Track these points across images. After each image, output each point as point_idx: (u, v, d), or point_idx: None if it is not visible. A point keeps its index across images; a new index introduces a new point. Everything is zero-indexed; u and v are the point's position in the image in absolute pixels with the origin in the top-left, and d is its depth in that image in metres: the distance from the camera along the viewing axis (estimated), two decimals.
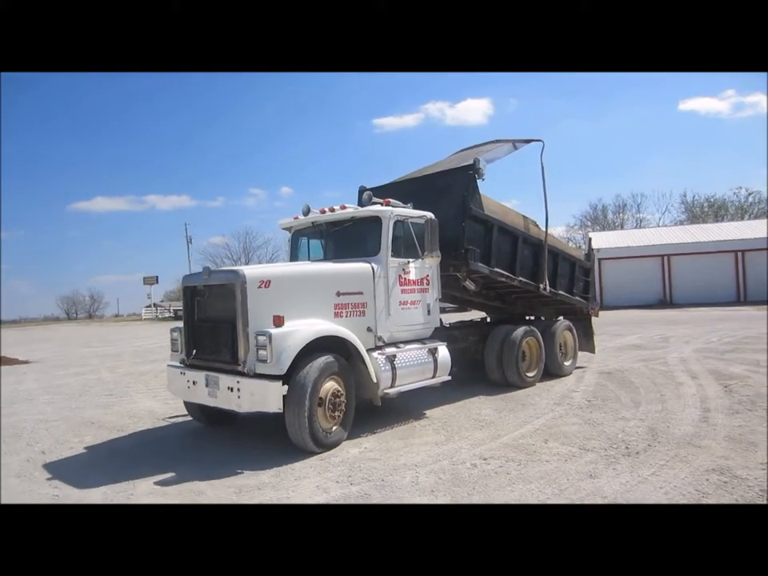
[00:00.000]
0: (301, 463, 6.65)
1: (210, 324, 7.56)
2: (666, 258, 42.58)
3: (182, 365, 7.97)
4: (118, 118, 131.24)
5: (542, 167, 10.74)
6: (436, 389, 8.97)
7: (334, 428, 7.35)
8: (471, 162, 9.37)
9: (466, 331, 10.61)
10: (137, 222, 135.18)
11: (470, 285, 9.62)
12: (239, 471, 6.41)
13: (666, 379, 10.80)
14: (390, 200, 8.64)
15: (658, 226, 61.21)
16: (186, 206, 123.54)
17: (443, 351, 8.95)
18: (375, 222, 8.40)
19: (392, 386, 8.06)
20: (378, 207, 8.52)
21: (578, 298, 12.04)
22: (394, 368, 8.08)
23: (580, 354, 12.39)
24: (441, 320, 10.96)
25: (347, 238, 9.00)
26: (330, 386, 7.24)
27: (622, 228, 62.80)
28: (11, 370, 18.48)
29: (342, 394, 7.39)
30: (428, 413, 8.96)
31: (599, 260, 42.02)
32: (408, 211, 8.64)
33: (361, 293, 8.04)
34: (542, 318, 12.21)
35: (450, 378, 9.00)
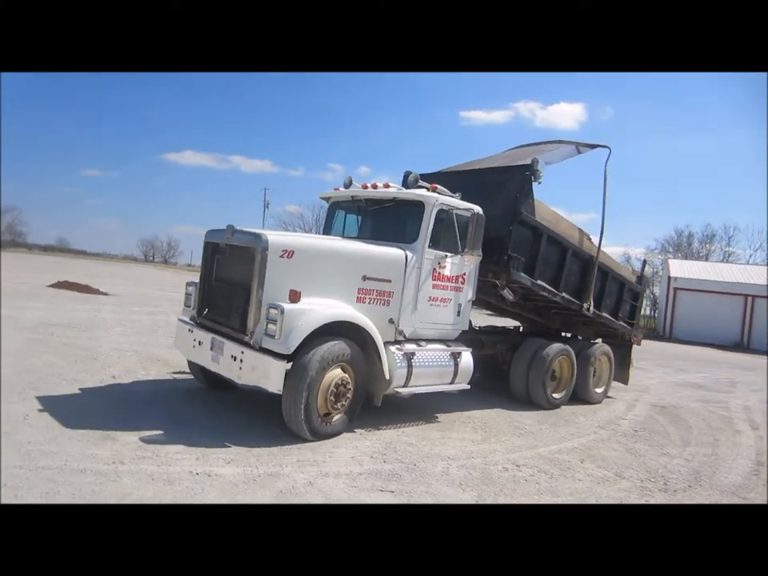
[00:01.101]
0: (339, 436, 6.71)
1: (226, 285, 6.94)
2: (749, 298, 38.15)
3: (191, 322, 7.42)
4: (216, 79, 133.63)
5: (605, 177, 9.68)
6: (473, 392, 8.73)
7: (336, 418, 6.67)
8: (529, 161, 8.42)
9: (495, 338, 9.72)
10: (219, 179, 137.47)
11: (507, 294, 8.72)
12: (278, 431, 6.47)
13: (723, 424, 9.90)
14: (438, 186, 7.81)
15: (747, 263, 54.61)
16: (268, 171, 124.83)
17: (467, 357, 8.12)
18: (418, 206, 7.58)
19: (405, 385, 7.32)
20: (422, 192, 7.69)
21: (621, 322, 10.96)
22: (410, 366, 7.32)
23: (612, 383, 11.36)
24: (471, 322, 10.19)
25: (385, 220, 8.20)
26: (336, 373, 6.54)
27: (706, 260, 56.99)
28: (93, 299, 20.02)
29: (348, 384, 6.69)
30: (468, 413, 8.64)
31: (675, 289, 39.52)
32: (454, 201, 7.79)
33: (389, 281, 7.27)
34: (579, 337, 11.18)
35: (468, 386, 8.19)
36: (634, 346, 11.59)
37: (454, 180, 8.43)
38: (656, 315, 51.55)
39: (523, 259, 8.49)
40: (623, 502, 5.57)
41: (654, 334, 38.54)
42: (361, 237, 8.04)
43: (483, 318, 10.45)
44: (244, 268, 6.58)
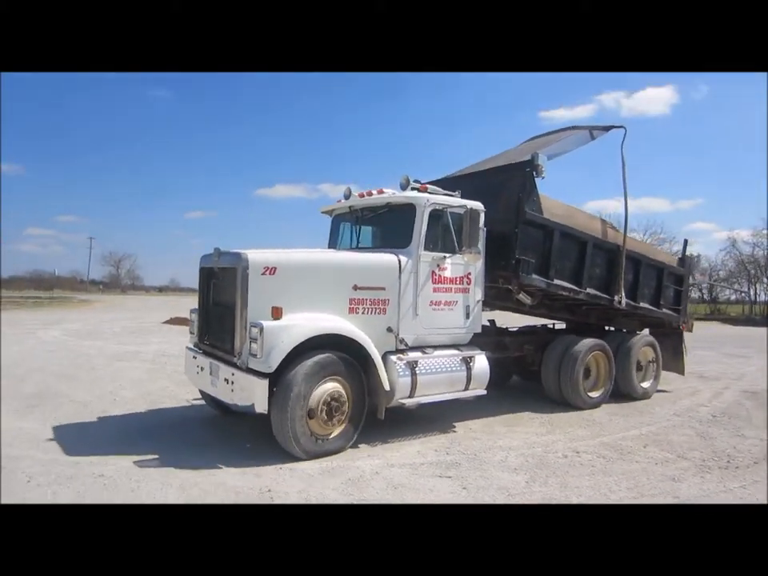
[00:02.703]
0: (413, 431, 6.99)
1: (219, 309, 6.59)
2: None
3: (196, 349, 7.09)
4: (296, 113, 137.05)
5: (623, 159, 8.64)
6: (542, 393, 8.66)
7: (333, 434, 6.11)
8: (528, 157, 7.59)
9: (520, 339, 8.84)
10: (312, 208, 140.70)
11: (524, 298, 7.88)
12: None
13: None
14: (429, 186, 7.16)
15: None
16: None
17: (481, 361, 7.35)
18: (409, 209, 6.96)
19: (411, 396, 6.67)
20: (412, 193, 7.06)
21: (665, 310, 9.74)
22: (414, 375, 6.67)
23: (665, 374, 10.18)
24: (494, 322, 9.38)
25: (381, 226, 7.66)
26: (327, 388, 6.01)
27: None
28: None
29: (342, 398, 6.12)
30: (536, 412, 8.33)
31: None
32: (447, 199, 7.10)
33: (382, 288, 6.66)
34: (624, 330, 10.03)
35: (485, 392, 7.40)
36: (686, 333, 10.32)
37: (460, 184, 7.70)
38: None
39: (533, 261, 7.64)
40: (677, 478, 5.55)
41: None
42: (361, 246, 7.49)
43: (518, 319, 9.60)
44: (230, 289, 6.21)
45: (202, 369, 6.75)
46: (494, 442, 6.67)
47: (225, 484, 5.10)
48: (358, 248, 7.46)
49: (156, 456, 5.84)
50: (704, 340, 19.14)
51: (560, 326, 10.01)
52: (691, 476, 5.64)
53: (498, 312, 9.35)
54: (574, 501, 4.89)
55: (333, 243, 8.09)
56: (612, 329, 10.02)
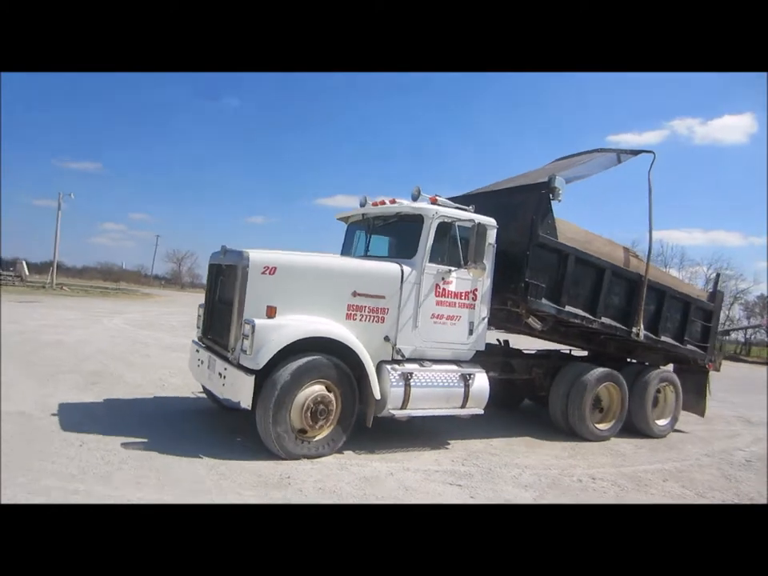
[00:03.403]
0: (432, 442, 6.97)
1: (222, 305, 6.54)
2: None
3: (199, 343, 7.07)
4: (361, 128, 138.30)
5: (650, 185, 8.17)
6: None
7: (318, 437, 5.95)
8: (546, 179, 7.22)
9: (530, 362, 8.38)
10: None
11: (534, 323, 7.49)
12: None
13: None
14: (439, 197, 6.93)
15: None
16: None
17: (481, 380, 7.00)
18: (418, 220, 6.75)
19: (403, 407, 6.42)
20: (422, 204, 6.85)
21: (690, 347, 9.08)
22: (408, 386, 6.42)
23: (685, 415, 9.51)
24: (508, 342, 9.00)
25: (391, 236, 7.50)
26: (313, 390, 5.85)
27: None
28: None
29: (330, 403, 5.95)
30: (561, 437, 8.04)
31: None
32: (456, 213, 6.84)
33: (382, 297, 6.45)
34: (646, 364, 9.38)
35: (482, 411, 7.04)
36: (711, 373, 9.63)
37: (479, 201, 7.41)
38: None
39: (543, 285, 7.26)
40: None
41: None
42: (371, 255, 7.32)
43: (537, 342, 9.25)
44: (232, 286, 6.16)
45: (201, 362, 6.73)
46: (510, 460, 6.59)
47: (249, 469, 5.32)
48: (367, 256, 7.30)
49: (193, 438, 6.17)
50: (760, 384, 18.20)
51: (581, 353, 9.53)
52: None
53: (517, 334, 9.03)
54: None
55: (346, 250, 7.94)
56: (634, 361, 9.45)
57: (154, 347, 13.47)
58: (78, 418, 6.53)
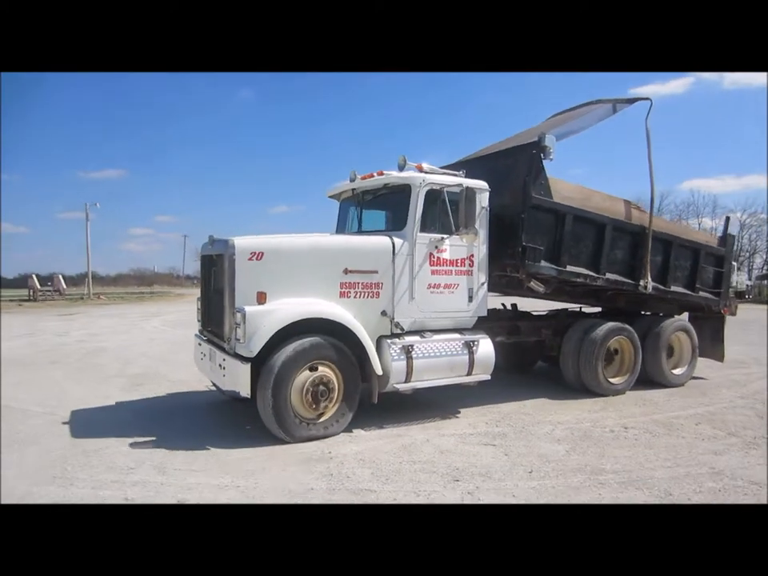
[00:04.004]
0: (465, 409, 6.88)
1: (216, 296, 6.32)
2: None
3: (201, 336, 6.88)
4: (377, 117, 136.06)
5: (648, 133, 7.63)
6: None
7: (323, 418, 5.72)
8: (535, 138, 6.77)
9: (537, 323, 8.00)
10: None
11: (536, 286, 7.09)
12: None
13: None
14: (424, 165, 6.54)
15: None
16: None
17: (485, 346, 6.68)
18: (405, 190, 6.40)
19: (407, 381, 6.15)
20: (408, 173, 6.48)
21: (703, 293, 8.59)
22: (410, 359, 6.14)
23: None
24: (515, 306, 8.60)
25: (382, 209, 7.14)
26: (313, 372, 5.61)
27: None
28: None
29: (331, 383, 5.70)
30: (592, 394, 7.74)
31: None
32: (444, 178, 6.47)
33: (375, 271, 6.15)
34: (660, 314, 8.91)
35: (488, 377, 6.72)
36: (728, 317, 9.10)
37: (472, 168, 7.02)
38: None
39: (542, 248, 6.86)
40: (719, 452, 5.36)
41: None
42: (363, 230, 7.00)
43: (548, 303, 8.91)
44: (221, 275, 5.92)
45: (204, 355, 6.53)
46: (543, 417, 6.54)
47: (295, 447, 5.43)
48: (360, 232, 6.98)
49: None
50: None
51: (594, 309, 9.09)
52: (736, 451, 5.39)
53: (525, 297, 8.65)
54: (608, 468, 4.85)
55: (341, 228, 7.62)
56: (648, 314, 8.98)
57: (191, 344, 13.41)
58: (127, 416, 6.72)
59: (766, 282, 41.96)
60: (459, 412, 6.76)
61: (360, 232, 6.95)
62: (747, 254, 55.88)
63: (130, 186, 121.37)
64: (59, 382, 8.80)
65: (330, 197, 7.74)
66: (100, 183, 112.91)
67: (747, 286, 40.93)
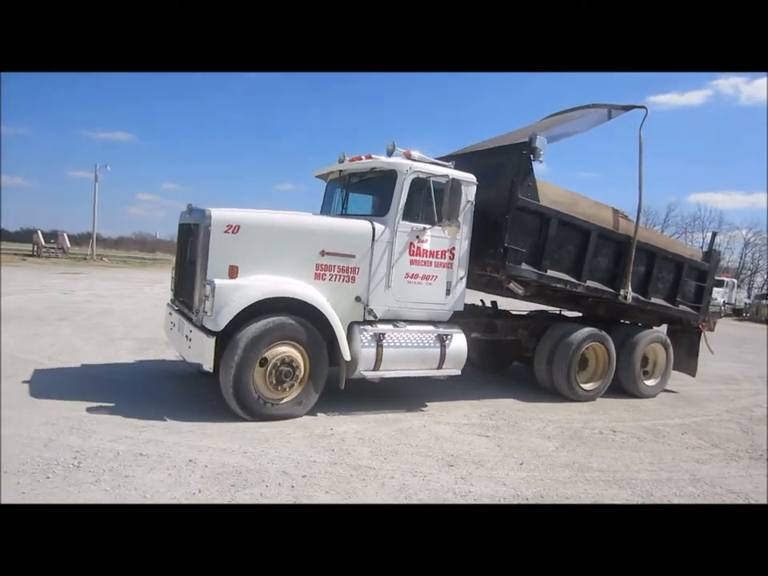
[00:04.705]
0: (454, 403, 6.71)
1: (190, 266, 5.98)
2: None
3: (172, 305, 6.54)
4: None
5: (641, 141, 7.27)
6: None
7: (286, 399, 5.41)
8: (526, 139, 6.39)
9: (515, 323, 7.64)
10: None
11: (516, 288, 6.73)
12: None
13: None
14: (412, 152, 6.18)
15: None
16: None
17: (458, 340, 6.36)
18: (391, 176, 6.04)
19: (375, 369, 5.84)
20: (396, 159, 6.12)
21: (683, 307, 8.24)
22: (380, 347, 5.82)
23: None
24: (495, 304, 8.26)
25: (367, 193, 6.76)
26: (278, 351, 5.29)
27: None
28: None
29: (296, 363, 5.39)
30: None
31: None
32: (431, 168, 6.10)
33: (352, 256, 5.81)
34: (639, 324, 8.59)
35: (459, 372, 6.41)
36: (705, 333, 8.76)
37: (463, 162, 6.62)
38: None
39: (524, 250, 6.50)
40: (702, 461, 5.36)
41: None
42: (347, 213, 6.64)
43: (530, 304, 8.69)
44: (196, 246, 5.58)
45: (174, 325, 6.21)
46: (536, 415, 6.51)
47: (297, 421, 5.40)
48: (343, 214, 6.62)
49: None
50: None
51: (574, 313, 8.78)
52: (718, 461, 5.39)
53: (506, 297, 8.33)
54: (595, 466, 4.86)
55: (326, 209, 7.24)
56: (627, 322, 8.65)
57: None
58: (140, 379, 6.65)
59: (765, 302, 41.32)
60: (451, 403, 6.66)
61: (344, 215, 6.59)
62: (749, 272, 55.09)
63: (138, 151, 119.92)
64: (68, 337, 8.83)
65: (317, 176, 7.35)
66: (109, 145, 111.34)
67: (745, 303, 40.60)
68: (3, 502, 3.59)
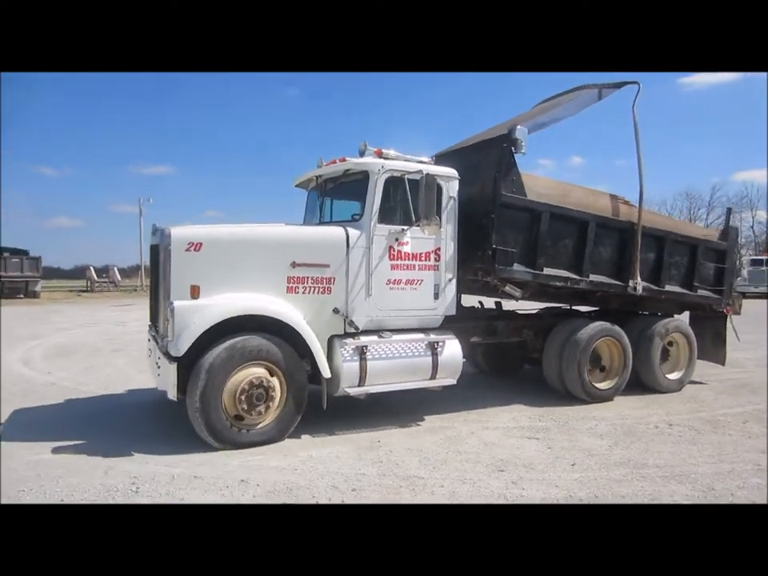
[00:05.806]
0: (501, 408, 6.20)
1: (156, 289, 5.34)
2: None
3: (150, 330, 5.93)
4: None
5: (635, 119, 6.29)
6: None
7: (262, 423, 4.71)
8: (506, 131, 5.61)
9: (518, 323, 6.72)
10: None
11: (513, 291, 5.90)
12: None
13: None
14: (384, 150, 5.40)
15: None
16: None
17: (452, 347, 5.53)
18: (364, 177, 5.30)
19: (360, 384, 5.07)
20: (367, 159, 5.38)
21: (702, 292, 7.17)
22: (363, 361, 5.06)
23: (704, 364, 7.63)
24: (500, 304, 7.34)
25: (343, 198, 5.99)
26: (248, 373, 4.59)
27: None
28: None
29: (269, 385, 4.67)
30: (636, 390, 6.89)
31: None
32: (405, 165, 5.32)
33: (326, 265, 5.07)
34: (658, 314, 7.48)
35: (454, 381, 5.58)
36: (731, 317, 7.61)
37: (445, 162, 5.81)
38: None
39: (515, 250, 5.68)
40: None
41: None
42: (327, 220, 5.90)
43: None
44: (157, 267, 4.98)
45: (151, 352, 5.59)
46: (587, 413, 5.98)
47: (343, 436, 5.10)
48: (321, 223, 5.90)
49: None
50: None
51: (586, 308, 7.78)
52: None
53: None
54: (651, 463, 4.46)
55: (308, 218, 6.48)
56: (645, 313, 7.59)
57: None
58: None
59: None
60: (494, 407, 6.20)
61: (321, 223, 5.88)
62: None
63: (178, 183, 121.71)
64: (123, 367, 8.77)
65: (297, 186, 6.60)
66: (150, 179, 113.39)
67: None
68: (3, 501, 3.54)
